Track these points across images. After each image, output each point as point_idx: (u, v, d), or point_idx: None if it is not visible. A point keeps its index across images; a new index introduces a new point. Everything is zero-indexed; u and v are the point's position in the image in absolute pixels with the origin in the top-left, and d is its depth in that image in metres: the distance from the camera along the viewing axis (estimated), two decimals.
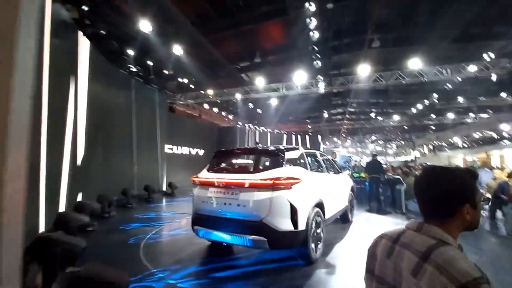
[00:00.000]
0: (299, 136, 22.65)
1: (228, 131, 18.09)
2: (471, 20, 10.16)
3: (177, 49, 11.21)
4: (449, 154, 33.01)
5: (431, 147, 38.99)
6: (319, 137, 22.84)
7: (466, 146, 32.15)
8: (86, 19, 6.47)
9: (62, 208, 4.96)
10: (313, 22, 10.41)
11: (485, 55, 11.89)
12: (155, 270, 3.21)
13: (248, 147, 3.98)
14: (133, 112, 8.94)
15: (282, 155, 3.43)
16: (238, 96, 16.09)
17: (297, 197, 3.17)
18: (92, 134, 6.57)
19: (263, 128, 21.60)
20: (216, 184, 3.37)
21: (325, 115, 24.27)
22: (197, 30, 11.41)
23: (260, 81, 15.05)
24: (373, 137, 36.84)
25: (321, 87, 14.49)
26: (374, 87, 14.99)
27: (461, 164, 31.70)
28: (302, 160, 3.77)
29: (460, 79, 13.54)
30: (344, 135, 36.25)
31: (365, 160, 41.36)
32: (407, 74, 12.86)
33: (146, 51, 10.02)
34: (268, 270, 3.27)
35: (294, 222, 3.06)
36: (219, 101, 17.14)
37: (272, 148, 3.68)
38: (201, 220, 3.50)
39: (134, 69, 9.18)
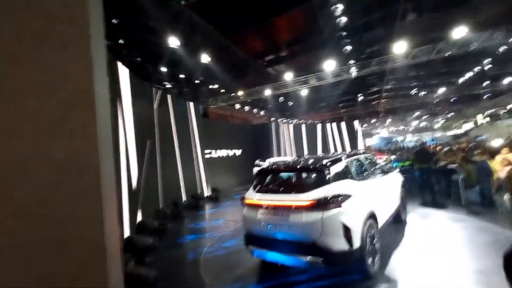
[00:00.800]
0: (334, 124, 21.88)
1: (261, 128, 18.15)
2: None
3: (204, 57, 11.49)
4: (509, 123, 29.20)
5: (486, 116, 34.88)
6: (355, 122, 21.74)
7: None
8: (123, 49, 6.96)
9: (126, 229, 5.51)
10: (337, 4, 9.86)
11: None
12: None
13: (291, 163, 3.95)
14: (172, 125, 9.45)
15: (327, 171, 3.39)
16: (268, 93, 16.04)
17: (349, 214, 3.12)
18: (140, 154, 7.13)
19: (296, 120, 21.32)
20: (264, 206, 3.46)
21: (361, 98, 23.07)
22: (220, 33, 11.54)
23: (288, 76, 14.81)
24: (416, 113, 34.11)
25: (353, 73, 13.78)
26: (413, 63, 13.82)
27: None
28: (348, 170, 3.67)
29: None
30: (382, 116, 34.13)
31: (409, 138, 38.55)
32: (452, 44, 11.61)
33: (177, 65, 10.43)
34: (326, 285, 3.30)
35: (349, 241, 3.03)
36: (248, 101, 17.27)
37: (316, 162, 3.63)
38: (254, 239, 3.62)
39: (169, 85, 9.64)
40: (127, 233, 5.42)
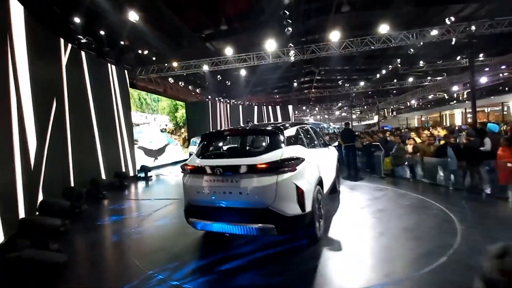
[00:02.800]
0: (270, 108, 22.42)
1: (197, 105, 17.20)
2: None
3: (133, 15, 9.80)
4: (407, 116, 35.68)
5: (390, 110, 41.75)
6: (290, 107, 22.79)
7: (421, 107, 34.97)
8: None
9: (21, 212, 4.25)
10: None
11: (446, 20, 12.28)
12: (152, 272, 2.88)
13: (241, 127, 3.54)
14: (88, 91, 7.80)
15: (281, 134, 3.14)
16: (205, 68, 15.07)
17: (303, 178, 2.97)
18: (42, 120, 5.59)
19: (234, 100, 20.92)
20: (211, 172, 3.01)
21: (295, 84, 24.15)
22: None
23: (228, 51, 14.13)
24: (340, 104, 38.03)
25: (292, 56, 14.09)
26: (343, 54, 15.00)
27: (416, 124, 34.71)
28: (298, 137, 3.52)
29: (422, 43, 13.96)
30: (312, 104, 36.89)
31: (332, 126, 43.13)
32: (377, 40, 12.97)
33: (95, 17, 8.57)
34: (275, 255, 3.12)
35: (301, 205, 2.88)
36: (185, 74, 15.91)
37: (269, 126, 3.35)
38: (197, 211, 3.16)
39: (84, 40, 7.83)
40: (22, 215, 4.19)
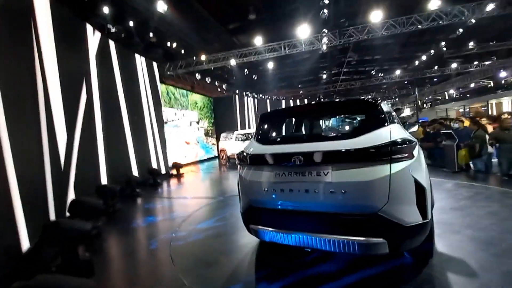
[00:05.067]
0: (298, 101, 21.33)
1: (224, 100, 16.66)
2: None
3: (161, 6, 9.29)
4: (446, 107, 32.71)
5: (425, 101, 38.67)
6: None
7: (460, 98, 31.92)
8: None
9: (52, 212, 3.73)
10: None
11: None
12: None
13: (319, 101, 2.61)
14: (118, 84, 7.33)
15: (381, 107, 2.23)
16: (233, 61, 14.37)
17: (421, 170, 2.05)
18: (72, 114, 5.10)
19: (261, 95, 20.07)
20: (285, 161, 2.17)
21: (324, 76, 22.82)
22: None
23: (258, 41, 13.31)
24: (370, 96, 35.89)
25: (327, 41, 12.94)
26: (381, 39, 13.59)
27: (453, 115, 31.66)
28: (394, 115, 2.58)
29: (474, 21, 12.20)
30: (341, 97, 35.08)
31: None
32: (425, 18, 11.46)
33: (124, 6, 8.12)
34: (374, 278, 2.23)
35: (423, 209, 1.95)
36: (212, 68, 15.33)
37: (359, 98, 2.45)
38: (263, 217, 2.34)
39: (113, 30, 7.38)
40: (52, 216, 3.66)
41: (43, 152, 3.85)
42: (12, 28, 3.46)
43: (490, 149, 5.49)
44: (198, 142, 13.65)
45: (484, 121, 10.34)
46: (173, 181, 8.35)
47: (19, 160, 3.07)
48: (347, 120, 2.47)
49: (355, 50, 17.15)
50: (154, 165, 8.49)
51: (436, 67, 22.88)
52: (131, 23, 8.79)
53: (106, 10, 7.44)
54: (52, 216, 3.78)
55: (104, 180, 5.98)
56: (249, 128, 16.28)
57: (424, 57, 19.56)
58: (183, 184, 8.04)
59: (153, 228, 4.14)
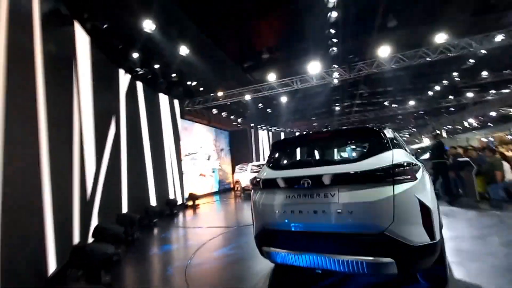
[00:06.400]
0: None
1: (239, 134, 17.22)
2: None
3: (183, 49, 10.32)
4: (467, 136, 31.72)
5: (444, 131, 37.66)
6: None
7: (480, 126, 30.96)
8: (84, 11, 5.55)
9: (76, 237, 3.96)
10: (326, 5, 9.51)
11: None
12: None
13: (325, 130, 2.81)
14: (142, 120, 7.97)
15: (384, 133, 2.40)
16: (248, 96, 15.18)
17: (426, 190, 2.14)
18: (101, 147, 5.58)
19: (275, 128, 20.58)
20: (294, 184, 2.34)
21: (337, 108, 23.23)
22: (199, 28, 10.54)
23: (271, 77, 14.14)
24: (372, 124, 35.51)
25: (337, 76, 13.52)
26: (391, 72, 14.03)
27: (476, 144, 30.39)
28: (399, 141, 2.73)
29: (485, 52, 12.44)
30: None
31: None
32: (433, 51, 11.85)
33: (151, 51, 9.09)
34: None
35: (429, 230, 2.00)
36: (228, 103, 16.18)
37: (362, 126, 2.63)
38: (275, 239, 2.45)
39: (141, 71, 8.23)
40: (76, 241, 3.88)
41: (73, 179, 4.21)
42: (57, 70, 4.06)
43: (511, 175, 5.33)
44: (213, 173, 13.93)
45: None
46: (189, 212, 8.49)
47: (54, 186, 3.41)
48: (352, 146, 2.62)
49: (367, 83, 17.62)
50: (171, 196, 8.74)
51: (451, 97, 22.78)
52: (156, 66, 9.75)
53: (135, 55, 8.39)
54: (77, 240, 4.00)
55: (124, 209, 6.25)
56: (264, 160, 16.53)
57: (437, 88, 19.68)
58: (198, 214, 8.15)
59: (169, 256, 4.24)
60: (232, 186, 14.79)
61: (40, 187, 3.17)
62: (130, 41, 8.01)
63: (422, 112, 27.68)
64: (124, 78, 7.19)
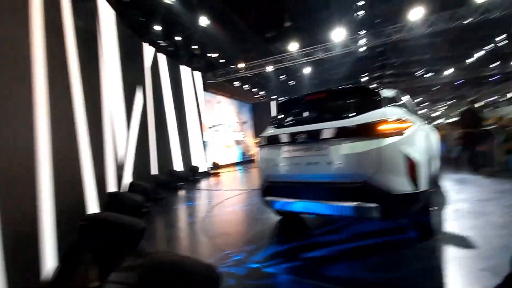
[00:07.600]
0: None
1: (262, 106, 17.38)
2: None
3: (203, 20, 10.38)
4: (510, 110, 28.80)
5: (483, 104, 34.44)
6: None
7: None
8: None
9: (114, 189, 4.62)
10: None
11: None
12: (228, 252, 2.61)
13: (325, 89, 2.98)
14: (165, 90, 8.42)
15: (378, 91, 2.52)
16: (270, 68, 15.03)
17: (413, 146, 2.28)
18: (131, 117, 6.14)
19: None
20: (292, 139, 2.59)
21: (366, 78, 22.18)
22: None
23: (293, 46, 13.79)
24: (416, 100, 33.30)
25: (363, 42, 12.81)
26: (424, 38, 12.96)
27: None
28: (401, 99, 2.82)
29: None
30: None
31: None
32: (472, 12, 10.69)
33: (172, 23, 9.31)
34: (374, 247, 2.48)
35: (413, 180, 2.19)
36: (250, 75, 16.19)
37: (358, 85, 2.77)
38: (276, 189, 2.79)
39: (163, 44, 8.57)
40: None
41: (105, 144, 4.76)
42: (87, 44, 4.46)
43: None
44: (237, 145, 14.46)
45: None
46: (211, 178, 9.14)
47: (93, 148, 3.95)
48: (348, 104, 2.74)
49: (397, 51, 16.49)
50: (195, 164, 9.41)
51: (495, 64, 20.59)
52: (177, 38, 10.01)
53: (158, 28, 8.68)
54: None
55: (153, 172, 6.95)
56: None
57: (480, 53, 17.89)
58: (219, 180, 8.76)
59: (191, 209, 4.81)
60: (253, 158, 15.32)
61: (79, 151, 3.69)
62: (152, 13, 8.28)
63: (459, 82, 25.45)
64: (148, 51, 7.56)
